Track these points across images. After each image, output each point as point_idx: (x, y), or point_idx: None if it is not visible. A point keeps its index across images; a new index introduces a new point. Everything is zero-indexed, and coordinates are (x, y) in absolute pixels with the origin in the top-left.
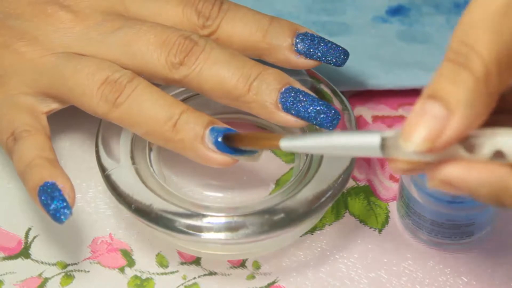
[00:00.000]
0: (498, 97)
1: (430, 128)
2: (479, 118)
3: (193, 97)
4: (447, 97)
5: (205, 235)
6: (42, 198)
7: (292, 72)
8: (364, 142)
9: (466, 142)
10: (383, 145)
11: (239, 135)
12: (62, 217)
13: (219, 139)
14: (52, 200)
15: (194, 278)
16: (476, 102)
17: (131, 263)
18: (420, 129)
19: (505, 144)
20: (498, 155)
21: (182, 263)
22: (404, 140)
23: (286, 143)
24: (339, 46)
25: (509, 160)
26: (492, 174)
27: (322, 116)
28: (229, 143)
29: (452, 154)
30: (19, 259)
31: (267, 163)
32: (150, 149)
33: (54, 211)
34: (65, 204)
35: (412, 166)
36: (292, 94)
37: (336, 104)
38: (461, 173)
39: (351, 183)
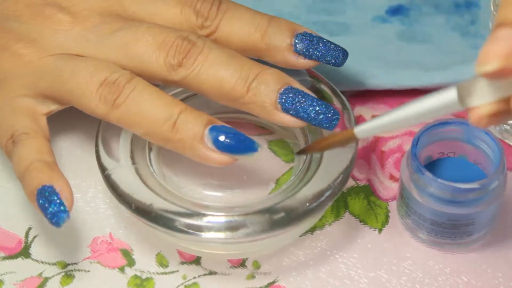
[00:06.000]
0: None
1: (503, 47)
2: None
3: (193, 97)
4: None
5: (205, 235)
6: (40, 201)
7: (292, 72)
8: (440, 100)
9: None
10: (460, 94)
11: (311, 144)
12: (60, 221)
13: (219, 138)
14: (50, 204)
15: (194, 277)
16: None
17: (131, 262)
18: (493, 50)
19: None
20: None
21: (182, 263)
22: (479, 65)
23: (361, 129)
24: (338, 46)
25: None
26: None
27: (321, 116)
28: (304, 154)
29: None
30: (19, 259)
31: (267, 162)
32: (150, 149)
33: (52, 215)
34: (62, 208)
35: (493, 109)
36: (291, 95)
37: (336, 104)
38: None
39: (351, 182)
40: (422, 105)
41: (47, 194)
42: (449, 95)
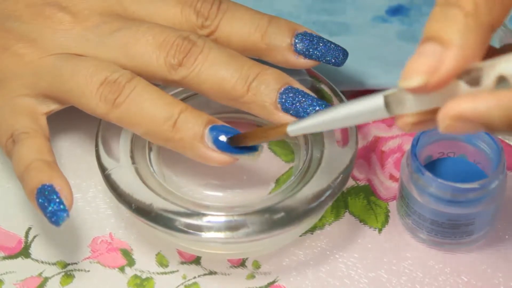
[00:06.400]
0: (490, 32)
1: (426, 63)
2: (474, 51)
3: (193, 97)
4: (440, 35)
5: (205, 234)
6: (40, 200)
7: (292, 71)
8: (368, 106)
9: (468, 76)
10: (387, 103)
11: (244, 134)
12: (59, 220)
13: (219, 138)
14: (49, 203)
15: (194, 277)
16: (468, 34)
17: (131, 262)
18: (417, 66)
19: (506, 68)
20: (502, 83)
21: (182, 263)
22: (402, 80)
23: (293, 127)
24: (338, 46)
25: None
26: (501, 97)
27: None
28: (236, 143)
29: (456, 94)
30: (19, 259)
31: (267, 162)
32: (150, 149)
33: (51, 213)
34: (62, 206)
35: (419, 118)
36: (291, 95)
37: (336, 104)
38: (470, 104)
39: (351, 182)
40: (351, 110)
41: (46, 193)
42: (375, 103)
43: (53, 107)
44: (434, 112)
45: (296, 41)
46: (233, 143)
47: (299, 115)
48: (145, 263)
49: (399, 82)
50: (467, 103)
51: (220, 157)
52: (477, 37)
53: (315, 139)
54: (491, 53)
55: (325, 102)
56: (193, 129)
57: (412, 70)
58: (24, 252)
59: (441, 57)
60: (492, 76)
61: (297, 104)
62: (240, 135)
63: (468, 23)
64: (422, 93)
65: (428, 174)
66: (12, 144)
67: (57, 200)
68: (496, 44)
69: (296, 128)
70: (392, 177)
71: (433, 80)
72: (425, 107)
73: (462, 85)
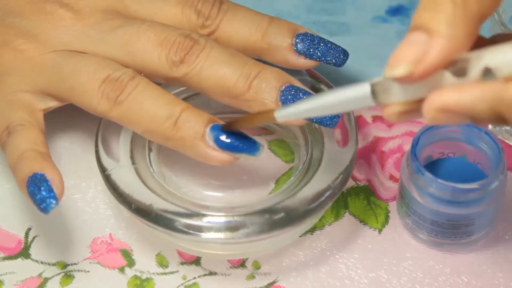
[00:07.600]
0: (479, 22)
1: (412, 53)
2: (461, 42)
3: (194, 96)
4: (427, 24)
5: (205, 235)
6: (30, 188)
7: (292, 72)
8: (355, 93)
9: (454, 67)
10: (374, 91)
11: (233, 121)
12: (48, 207)
13: (220, 137)
14: (39, 190)
15: (194, 278)
16: (456, 25)
17: (131, 263)
18: (402, 55)
19: (492, 60)
20: (488, 75)
21: (182, 263)
22: (388, 69)
23: (280, 113)
24: (339, 46)
25: (498, 75)
26: (485, 89)
27: None
28: (228, 129)
29: (442, 84)
30: (19, 259)
31: (267, 162)
32: (150, 149)
33: (40, 200)
34: (51, 194)
35: (405, 107)
36: (292, 93)
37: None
38: (455, 95)
39: (351, 183)
40: (338, 97)
41: (37, 181)
42: (362, 90)
43: (52, 104)
44: (421, 102)
45: (297, 41)
46: (225, 129)
47: None
48: (145, 263)
49: (385, 70)
50: (451, 95)
51: (221, 156)
52: (465, 28)
53: (315, 139)
54: (481, 43)
55: None
56: (194, 127)
57: (398, 59)
58: (24, 252)
59: (427, 47)
60: (478, 68)
61: None
62: (230, 122)
63: (456, 13)
64: (408, 82)
65: (428, 174)
66: (7, 136)
67: (47, 188)
68: (487, 34)
69: (283, 113)
70: (392, 177)
71: (418, 70)
72: (411, 97)
73: (448, 76)
